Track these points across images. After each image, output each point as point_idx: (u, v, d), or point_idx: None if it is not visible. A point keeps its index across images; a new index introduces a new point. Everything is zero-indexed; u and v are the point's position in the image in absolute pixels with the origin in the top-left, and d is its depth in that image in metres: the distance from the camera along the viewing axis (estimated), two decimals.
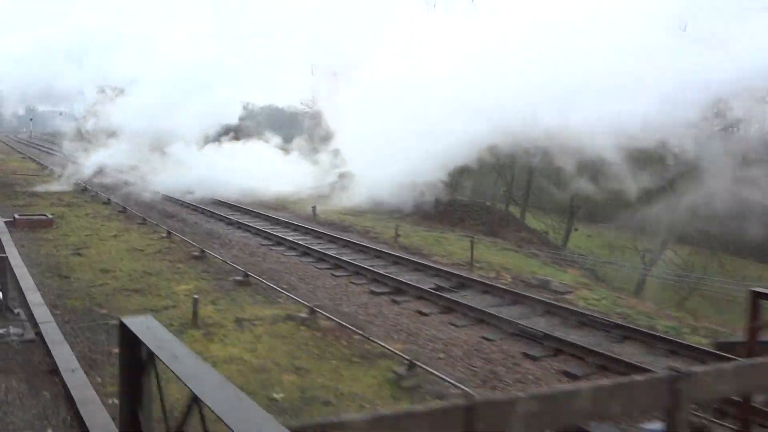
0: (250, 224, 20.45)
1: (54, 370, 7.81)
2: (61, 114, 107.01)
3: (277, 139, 32.72)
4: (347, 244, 17.95)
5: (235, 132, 33.17)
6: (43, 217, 18.46)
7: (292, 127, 41.42)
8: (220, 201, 25.99)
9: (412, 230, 21.82)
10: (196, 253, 15.28)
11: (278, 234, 18.80)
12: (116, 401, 5.61)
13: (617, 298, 14.57)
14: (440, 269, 15.21)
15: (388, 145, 21.09)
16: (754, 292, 4.65)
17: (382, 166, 21.48)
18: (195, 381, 2.50)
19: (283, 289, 12.70)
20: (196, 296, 10.21)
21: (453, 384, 8.12)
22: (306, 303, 11.33)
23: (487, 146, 19.87)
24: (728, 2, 19.60)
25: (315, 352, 9.33)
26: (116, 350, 9.24)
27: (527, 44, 19.34)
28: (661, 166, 19.47)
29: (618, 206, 28.61)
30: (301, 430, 2.02)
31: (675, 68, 17.14)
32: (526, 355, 9.68)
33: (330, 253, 16.40)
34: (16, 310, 9.82)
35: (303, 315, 10.72)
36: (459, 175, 24.94)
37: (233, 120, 33.36)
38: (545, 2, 20.60)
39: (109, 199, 24.39)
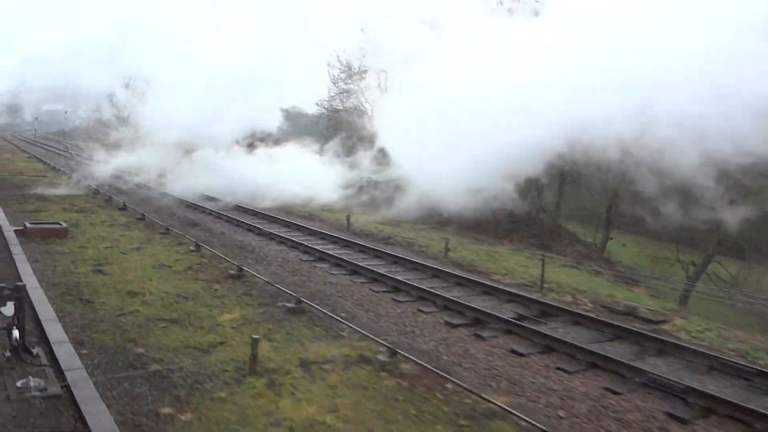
0: (283, 235, 18.55)
1: None
2: (66, 113, 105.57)
3: (309, 143, 30.81)
4: (396, 260, 16.05)
5: (265, 138, 31.37)
6: (57, 226, 16.55)
7: (314, 129, 39.49)
8: (245, 207, 24.16)
9: (458, 243, 19.91)
10: (232, 271, 13.40)
11: (317, 247, 16.90)
12: None
13: (721, 329, 12.63)
14: (510, 292, 13.31)
15: (447, 150, 19.08)
16: None
17: (439, 171, 19.40)
18: None
19: (341, 317, 10.81)
20: (255, 337, 8.29)
21: None
22: (376, 338, 9.47)
23: (556, 156, 17.83)
24: None
25: (411, 411, 7.42)
26: (165, 410, 7.39)
27: (599, 45, 17.31)
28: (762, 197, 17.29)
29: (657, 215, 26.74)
30: None
31: None
32: (671, 416, 7.76)
33: (380, 270, 14.51)
34: (35, 350, 7.94)
35: (381, 357, 8.83)
36: (531, 187, 22.43)
37: (272, 127, 31.55)
38: (621, 1, 18.48)
39: (125, 204, 22.52)
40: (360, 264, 15.00)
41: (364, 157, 26.80)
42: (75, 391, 6.97)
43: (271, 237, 18.43)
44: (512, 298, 12.92)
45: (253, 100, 28.02)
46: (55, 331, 8.93)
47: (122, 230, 18.15)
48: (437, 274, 14.74)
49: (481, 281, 14.24)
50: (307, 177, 25.93)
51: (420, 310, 11.82)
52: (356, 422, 7.02)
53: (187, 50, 32.52)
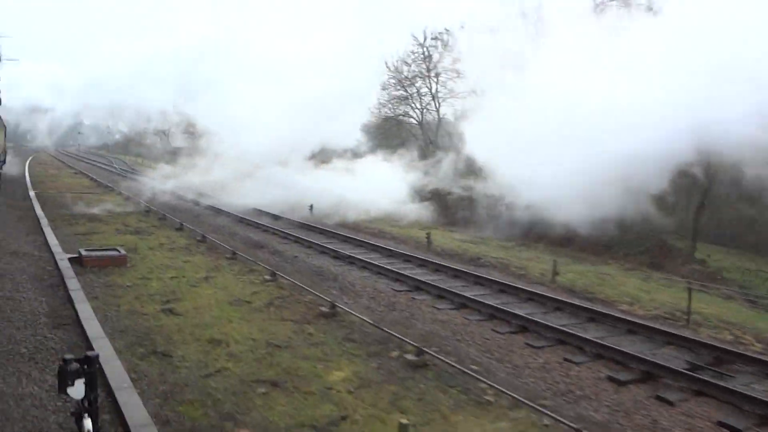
0: (362, 258, 16.40)
1: None
2: (108, 127, 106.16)
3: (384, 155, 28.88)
4: (502, 288, 13.75)
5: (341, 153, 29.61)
6: (115, 253, 14.72)
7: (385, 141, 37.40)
8: (310, 225, 22.21)
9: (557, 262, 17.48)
10: (323, 308, 11.30)
11: (406, 272, 14.71)
12: None
13: None
14: (660, 330, 10.89)
15: (554, 160, 16.76)
16: None
17: (545, 182, 17.05)
18: None
19: (474, 372, 8.58)
20: (404, 422, 6.11)
21: None
22: (532, 403, 7.24)
23: (682, 167, 15.39)
24: None
25: None
26: None
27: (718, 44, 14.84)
28: None
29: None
30: None
31: None
32: None
33: (490, 301, 12.23)
34: None
35: None
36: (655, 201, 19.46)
37: (351, 143, 29.68)
38: None
39: (182, 224, 20.72)
40: (464, 294, 12.73)
41: (443, 166, 24.54)
42: None
43: (351, 261, 16.28)
44: (668, 339, 10.50)
45: (336, 118, 26.21)
46: (132, 405, 6.89)
47: (184, 255, 16.26)
48: (560, 306, 12.39)
49: (614, 314, 11.85)
50: (377, 190, 23.86)
51: (567, 360, 9.48)
52: None
53: (268, 66, 30.63)
